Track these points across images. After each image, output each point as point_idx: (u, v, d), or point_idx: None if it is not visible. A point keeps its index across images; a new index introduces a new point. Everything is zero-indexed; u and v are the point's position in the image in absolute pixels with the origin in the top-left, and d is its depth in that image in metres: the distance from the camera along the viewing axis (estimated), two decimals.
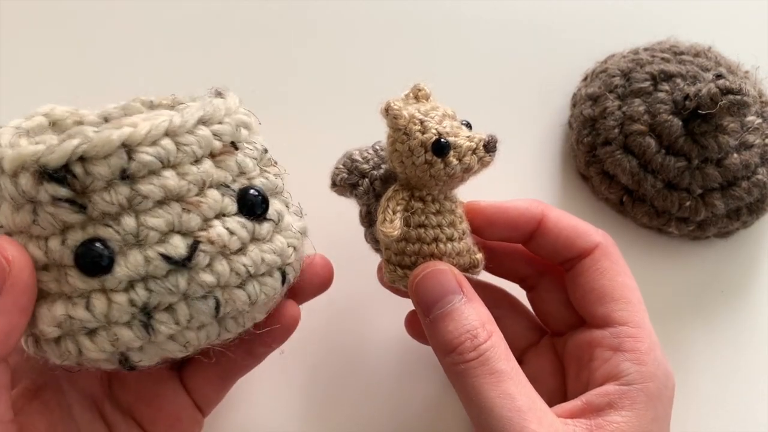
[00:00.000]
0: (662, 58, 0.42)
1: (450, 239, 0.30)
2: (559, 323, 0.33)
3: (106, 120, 0.30)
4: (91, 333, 0.24)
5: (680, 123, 0.39)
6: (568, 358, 0.32)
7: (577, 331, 0.32)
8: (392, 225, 0.28)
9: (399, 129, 0.28)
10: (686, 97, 0.39)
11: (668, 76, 0.41)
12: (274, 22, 0.47)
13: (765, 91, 0.43)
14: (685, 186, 0.39)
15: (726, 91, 0.37)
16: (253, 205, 0.26)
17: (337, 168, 0.32)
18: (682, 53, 0.43)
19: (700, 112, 0.38)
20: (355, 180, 0.31)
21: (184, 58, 0.46)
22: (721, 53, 0.44)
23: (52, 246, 0.24)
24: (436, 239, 0.30)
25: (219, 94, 0.28)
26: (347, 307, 0.38)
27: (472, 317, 0.28)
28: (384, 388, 0.37)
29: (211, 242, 0.24)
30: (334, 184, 0.32)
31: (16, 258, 0.24)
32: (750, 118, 0.40)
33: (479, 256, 0.31)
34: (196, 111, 0.25)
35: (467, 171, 0.28)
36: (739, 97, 0.37)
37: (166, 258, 0.24)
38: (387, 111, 0.28)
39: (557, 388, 0.32)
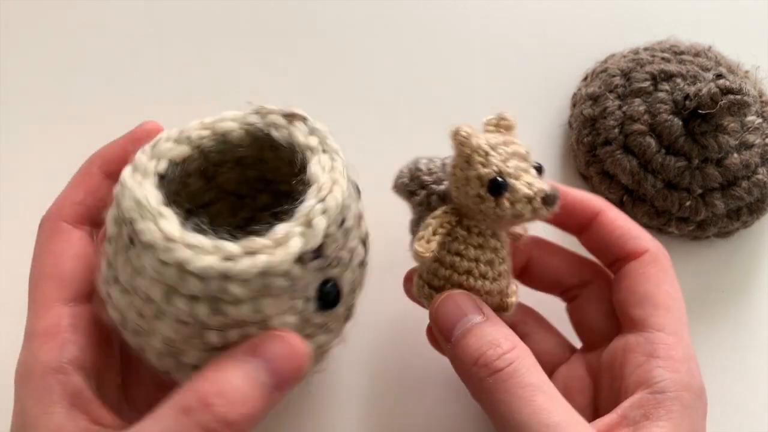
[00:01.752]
0: (662, 58, 0.42)
1: (483, 276, 0.29)
2: (597, 335, 0.33)
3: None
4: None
5: (680, 123, 0.39)
6: (603, 367, 0.32)
7: (614, 342, 0.31)
8: (427, 245, 0.28)
9: (462, 156, 0.27)
10: (686, 96, 0.39)
11: (668, 76, 0.41)
12: (275, 21, 0.47)
13: (765, 91, 0.43)
14: (685, 186, 0.39)
15: (726, 91, 0.37)
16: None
17: (401, 171, 0.32)
18: (682, 53, 0.43)
19: (700, 111, 0.38)
20: (414, 188, 0.31)
21: (185, 58, 0.46)
22: (721, 53, 0.44)
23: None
24: (468, 272, 0.29)
25: (290, 117, 0.29)
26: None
27: (493, 332, 0.27)
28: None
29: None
30: (395, 186, 0.32)
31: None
32: (750, 117, 0.40)
33: (512, 300, 0.31)
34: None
35: (517, 217, 0.28)
36: (739, 96, 0.37)
37: None
38: (455, 135, 0.27)
39: (587, 405, 0.32)
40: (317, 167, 0.27)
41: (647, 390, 0.28)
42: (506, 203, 0.27)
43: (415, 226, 0.31)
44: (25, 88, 0.44)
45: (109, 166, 0.31)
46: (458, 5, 0.49)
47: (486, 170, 0.27)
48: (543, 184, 0.27)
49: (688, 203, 0.39)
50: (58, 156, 0.42)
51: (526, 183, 0.27)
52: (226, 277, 0.24)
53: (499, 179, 0.27)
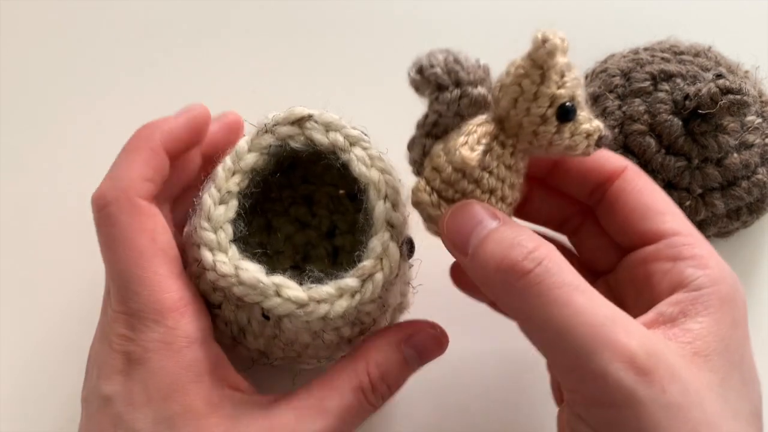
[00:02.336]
0: (662, 58, 0.42)
1: (502, 199, 0.27)
2: (610, 258, 0.31)
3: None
4: None
5: (680, 123, 0.39)
6: (623, 286, 0.30)
7: (627, 257, 0.30)
8: (473, 153, 0.25)
9: (538, 68, 0.25)
10: (686, 96, 0.39)
11: (668, 76, 0.41)
12: (273, 20, 0.47)
13: (765, 91, 0.43)
14: (685, 186, 0.39)
15: (726, 91, 0.37)
16: None
17: (432, 57, 0.26)
18: (682, 53, 0.43)
19: (700, 111, 0.38)
20: (446, 83, 0.26)
21: (184, 57, 0.46)
22: (721, 53, 0.44)
23: None
24: (492, 191, 0.27)
25: (297, 122, 0.30)
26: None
27: (514, 233, 0.25)
28: None
29: None
30: (420, 73, 0.26)
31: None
32: (750, 117, 0.40)
33: None
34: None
35: (568, 149, 0.26)
36: (739, 96, 0.37)
37: None
38: (541, 43, 0.24)
39: None
40: (359, 166, 0.29)
41: (683, 290, 0.27)
42: (567, 132, 0.26)
43: (431, 126, 0.27)
44: (22, 86, 0.44)
45: (172, 145, 0.30)
46: (458, 5, 0.49)
47: (562, 91, 0.25)
48: (601, 124, 0.26)
49: (687, 203, 0.39)
50: (56, 154, 0.43)
51: (588, 118, 0.26)
52: (360, 304, 0.28)
53: (570, 105, 0.25)
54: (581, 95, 0.26)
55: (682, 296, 0.26)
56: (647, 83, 0.41)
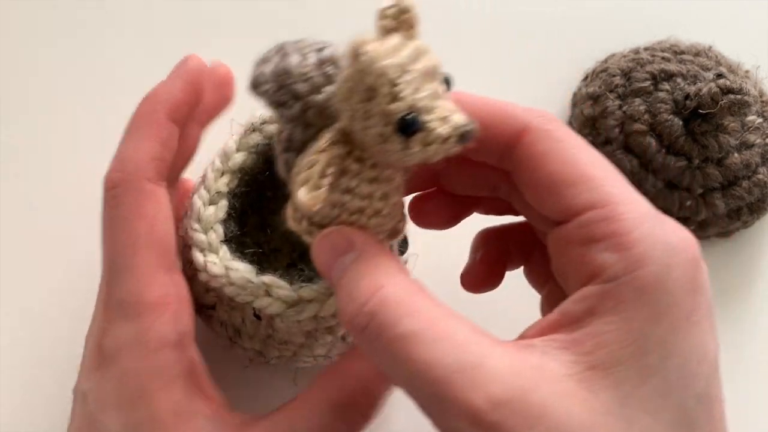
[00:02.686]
0: (663, 58, 0.42)
1: (376, 213, 0.24)
2: (550, 225, 0.26)
3: None
4: None
5: (681, 122, 0.39)
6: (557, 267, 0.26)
7: (548, 238, 0.25)
8: (315, 195, 0.21)
9: (362, 83, 0.21)
10: (687, 96, 0.39)
11: (669, 76, 0.41)
12: (262, 18, 0.47)
13: (765, 91, 0.43)
14: (685, 186, 0.39)
15: (726, 91, 0.37)
16: None
17: (261, 71, 0.23)
18: (682, 53, 0.43)
19: (700, 111, 0.38)
20: (283, 99, 0.23)
21: (176, 53, 0.46)
22: (722, 53, 0.44)
23: None
24: (360, 211, 0.23)
25: None
26: None
27: (355, 277, 0.22)
28: None
29: None
30: (254, 89, 0.24)
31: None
32: (751, 117, 0.40)
33: (402, 224, 0.26)
34: None
35: (426, 160, 0.22)
36: (739, 96, 0.37)
37: None
38: (355, 56, 0.20)
39: None
40: None
41: (594, 282, 0.21)
42: (416, 146, 0.21)
43: (287, 143, 0.24)
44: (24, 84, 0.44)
45: (176, 114, 0.28)
46: (458, 4, 0.48)
47: (395, 106, 0.20)
48: (460, 117, 0.21)
49: (688, 203, 0.39)
50: (54, 151, 0.42)
51: (441, 117, 0.21)
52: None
53: (411, 118, 0.20)
54: (428, 90, 0.21)
55: (592, 290, 0.21)
56: (648, 83, 0.41)
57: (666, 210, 0.40)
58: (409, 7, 0.22)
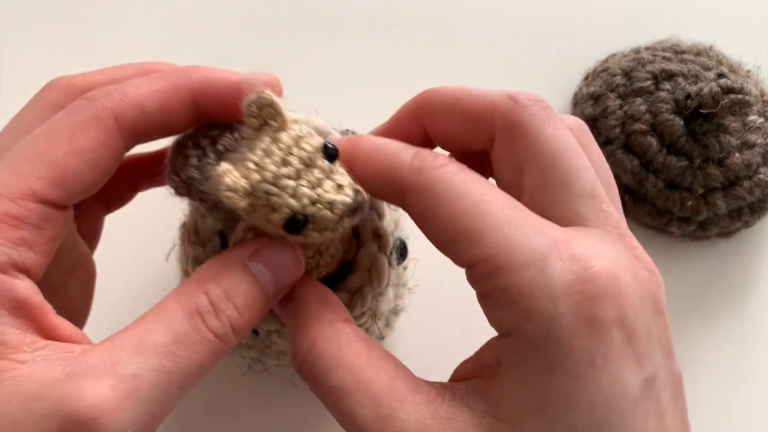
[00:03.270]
0: (664, 57, 0.42)
1: (320, 256, 0.26)
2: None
3: None
4: None
5: (682, 122, 0.39)
6: None
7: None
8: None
9: (242, 208, 0.22)
10: (688, 96, 0.39)
11: (670, 76, 0.41)
12: (261, 22, 0.47)
13: (766, 90, 0.43)
14: (686, 185, 0.39)
15: (727, 91, 0.37)
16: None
17: (172, 181, 0.25)
18: (683, 52, 0.43)
19: (701, 111, 0.38)
20: (199, 197, 0.25)
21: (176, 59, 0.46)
22: (723, 52, 0.44)
23: None
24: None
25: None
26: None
27: (296, 331, 0.23)
28: None
29: None
30: (174, 190, 0.25)
31: None
32: (752, 117, 0.40)
33: (350, 254, 0.28)
34: None
35: (330, 238, 0.24)
36: (740, 96, 0.37)
37: None
38: (218, 188, 0.21)
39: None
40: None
41: (497, 333, 0.22)
42: (312, 234, 0.23)
43: (194, 234, 0.28)
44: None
45: (204, 98, 0.25)
46: (458, 4, 0.48)
47: (274, 216, 0.22)
48: (345, 196, 0.23)
49: (689, 203, 0.39)
50: None
51: (328, 203, 0.22)
52: None
53: (294, 219, 0.22)
54: (306, 186, 0.22)
55: (496, 341, 0.22)
56: (649, 82, 0.41)
57: (667, 210, 0.40)
58: (266, 101, 0.22)
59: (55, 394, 0.19)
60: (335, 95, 0.45)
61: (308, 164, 0.22)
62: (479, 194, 0.22)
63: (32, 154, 0.22)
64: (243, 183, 0.21)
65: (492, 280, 0.21)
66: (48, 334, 0.21)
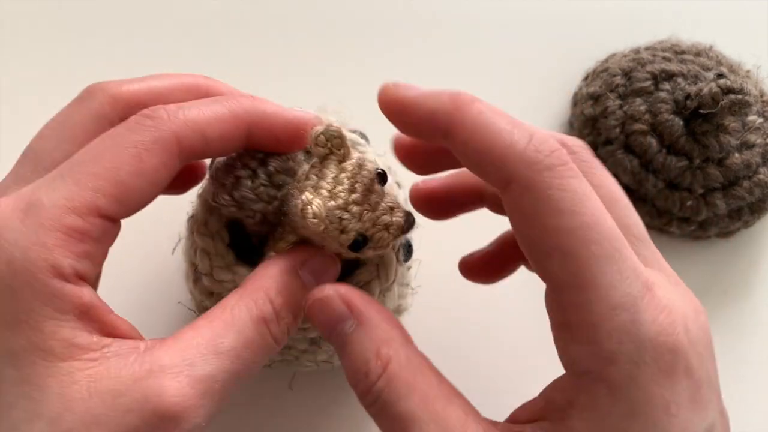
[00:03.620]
0: (663, 58, 0.42)
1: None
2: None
3: None
4: None
5: (681, 122, 0.39)
6: None
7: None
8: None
9: (316, 233, 0.25)
10: (687, 96, 0.39)
11: (669, 76, 0.41)
12: (270, 20, 0.47)
13: (766, 91, 0.43)
14: (686, 186, 0.39)
15: (727, 91, 0.37)
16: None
17: (222, 198, 0.27)
18: (683, 52, 0.43)
19: (701, 111, 0.38)
20: (245, 215, 0.27)
21: (183, 57, 0.46)
22: (723, 53, 0.44)
23: None
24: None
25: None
26: None
27: (363, 347, 0.23)
28: None
29: None
30: (219, 208, 0.28)
31: None
32: (751, 117, 0.40)
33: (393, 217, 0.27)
34: None
35: (382, 255, 0.27)
36: (740, 96, 0.37)
37: None
38: (303, 215, 0.24)
39: None
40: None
41: (569, 372, 0.22)
42: (368, 252, 0.26)
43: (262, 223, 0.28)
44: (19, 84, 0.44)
45: (258, 130, 0.26)
46: (458, 4, 0.48)
47: (344, 237, 0.25)
48: (398, 217, 0.25)
49: (689, 203, 0.39)
50: None
51: (384, 225, 0.25)
52: None
53: (358, 240, 0.25)
54: (369, 212, 0.25)
55: (568, 380, 0.22)
56: (648, 83, 0.41)
57: (667, 210, 0.40)
58: (334, 134, 0.25)
59: (137, 390, 0.21)
60: (337, 95, 0.45)
61: (370, 189, 0.25)
62: (593, 217, 0.21)
63: (99, 170, 0.23)
64: (324, 211, 0.24)
65: (581, 314, 0.21)
66: (110, 332, 0.23)
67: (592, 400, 0.21)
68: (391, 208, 0.25)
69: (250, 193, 0.26)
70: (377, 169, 0.25)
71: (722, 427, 0.23)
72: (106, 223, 0.24)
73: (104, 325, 0.23)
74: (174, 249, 0.34)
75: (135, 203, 0.24)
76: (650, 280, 0.22)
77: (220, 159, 0.27)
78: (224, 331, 0.23)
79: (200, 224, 0.29)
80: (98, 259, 0.24)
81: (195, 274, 0.30)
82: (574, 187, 0.21)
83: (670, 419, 0.20)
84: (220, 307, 0.24)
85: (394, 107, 0.25)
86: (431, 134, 0.24)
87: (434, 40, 0.47)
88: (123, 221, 0.25)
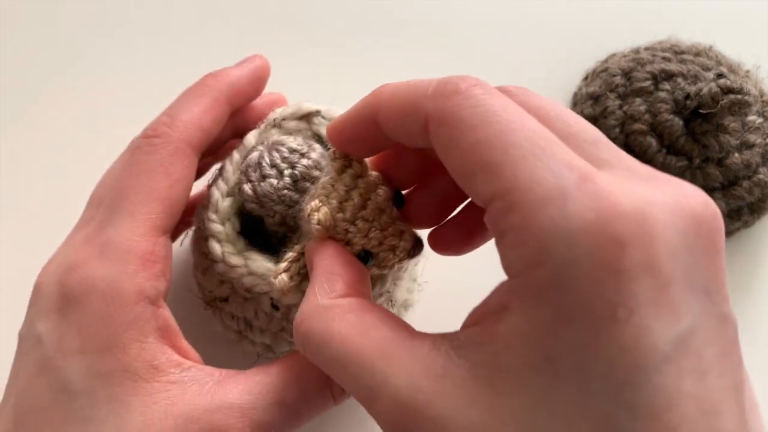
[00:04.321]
0: (663, 58, 0.42)
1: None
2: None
3: None
4: None
5: (681, 122, 0.39)
6: None
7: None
8: (288, 283, 0.26)
9: (322, 237, 0.26)
10: (687, 96, 0.39)
11: (669, 76, 0.41)
12: (279, 16, 0.47)
13: (766, 91, 0.43)
14: None
15: (727, 91, 0.37)
16: None
17: (245, 193, 0.28)
18: (683, 52, 0.43)
19: (701, 111, 0.38)
20: (266, 214, 0.29)
21: (190, 54, 0.46)
22: (722, 53, 0.44)
23: None
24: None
25: (305, 117, 0.32)
26: None
27: (305, 299, 0.24)
28: None
29: None
30: (242, 200, 0.29)
31: None
32: (751, 117, 0.40)
33: (402, 241, 0.27)
34: None
35: (383, 272, 0.27)
36: (740, 96, 0.37)
37: None
38: (309, 221, 0.25)
39: None
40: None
41: (508, 276, 0.20)
42: (374, 269, 0.26)
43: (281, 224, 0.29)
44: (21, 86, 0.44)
45: (234, 100, 0.31)
46: (458, 4, 0.48)
47: (349, 248, 0.26)
48: (406, 242, 0.26)
49: None
50: (56, 155, 0.42)
51: (390, 247, 0.26)
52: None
53: (363, 255, 0.26)
54: (376, 231, 0.25)
55: (506, 284, 0.20)
56: (648, 83, 0.41)
57: None
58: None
59: (206, 421, 0.24)
60: (334, 94, 0.45)
61: (381, 209, 0.26)
62: (506, 122, 0.19)
63: (143, 196, 0.27)
64: (330, 221, 0.25)
65: (507, 218, 0.19)
66: (183, 355, 0.26)
67: (522, 304, 0.18)
68: (402, 232, 0.26)
69: (273, 194, 0.28)
70: (396, 191, 0.26)
71: (716, 335, 0.19)
72: (166, 238, 0.27)
73: (179, 349, 0.26)
74: (182, 241, 0.34)
75: (179, 209, 0.28)
76: (591, 171, 0.19)
77: (254, 155, 0.29)
78: (289, 386, 0.25)
79: (212, 212, 0.29)
80: (168, 274, 0.27)
81: (204, 263, 0.30)
82: (486, 101, 0.20)
83: (616, 325, 0.17)
84: (293, 358, 0.26)
85: (335, 134, 0.25)
86: (362, 127, 0.24)
87: (434, 40, 0.47)
88: None
